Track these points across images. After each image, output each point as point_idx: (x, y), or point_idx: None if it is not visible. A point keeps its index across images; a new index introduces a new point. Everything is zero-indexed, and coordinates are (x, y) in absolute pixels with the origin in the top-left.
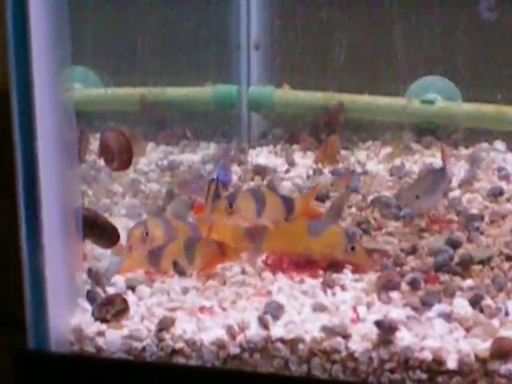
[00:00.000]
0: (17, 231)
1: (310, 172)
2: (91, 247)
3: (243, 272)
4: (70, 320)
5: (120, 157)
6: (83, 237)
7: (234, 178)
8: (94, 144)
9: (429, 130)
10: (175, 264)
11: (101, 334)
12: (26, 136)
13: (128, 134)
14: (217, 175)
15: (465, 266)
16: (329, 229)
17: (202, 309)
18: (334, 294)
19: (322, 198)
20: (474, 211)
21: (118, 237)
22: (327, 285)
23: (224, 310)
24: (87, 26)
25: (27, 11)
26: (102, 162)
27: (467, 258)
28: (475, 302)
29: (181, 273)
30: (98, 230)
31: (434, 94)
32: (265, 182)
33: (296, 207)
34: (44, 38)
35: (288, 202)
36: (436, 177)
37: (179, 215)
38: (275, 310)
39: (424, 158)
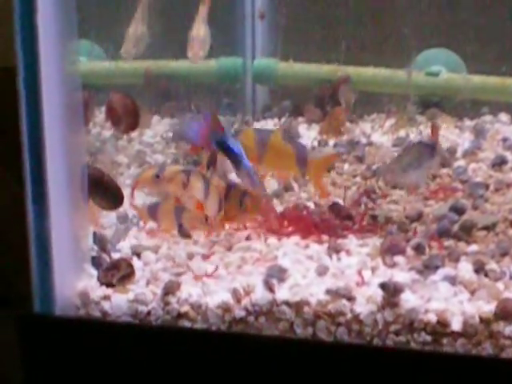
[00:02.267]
0: (22, 196)
1: (315, 143)
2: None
3: (248, 238)
4: (75, 284)
5: (126, 119)
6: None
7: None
8: (99, 117)
9: (433, 102)
10: (180, 227)
11: (106, 298)
12: (32, 108)
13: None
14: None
15: (467, 232)
16: None
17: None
18: (339, 259)
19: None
20: (479, 180)
21: (121, 198)
22: (333, 249)
23: (229, 274)
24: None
25: None
26: (107, 133)
27: (469, 224)
28: (479, 267)
29: (186, 236)
30: (103, 188)
31: (438, 66)
32: None
33: None
34: (50, 12)
35: None
36: (422, 152)
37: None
38: (280, 274)
39: (428, 130)
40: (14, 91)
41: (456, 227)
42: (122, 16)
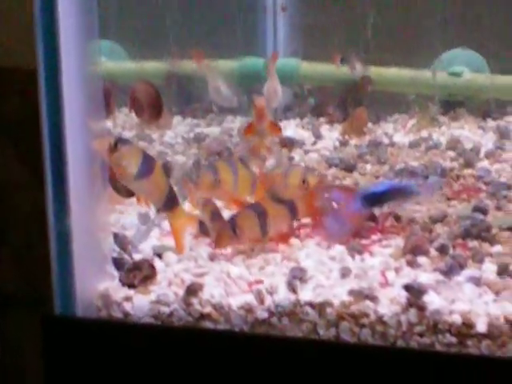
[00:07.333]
0: (43, 197)
1: (337, 144)
2: (118, 217)
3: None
4: (97, 285)
5: (149, 107)
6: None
7: None
8: (120, 117)
9: (455, 103)
10: (201, 224)
11: (128, 299)
12: (53, 110)
13: None
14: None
15: (491, 233)
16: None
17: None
18: (362, 260)
19: (349, 169)
20: (503, 180)
21: None
22: (356, 250)
23: (252, 275)
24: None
25: None
26: (128, 134)
27: (488, 225)
28: (504, 268)
29: (206, 234)
30: None
31: (461, 67)
32: (292, 154)
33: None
34: (71, 13)
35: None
36: None
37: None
38: (303, 275)
39: (451, 130)
40: (35, 93)
41: (480, 228)
42: (144, 15)
